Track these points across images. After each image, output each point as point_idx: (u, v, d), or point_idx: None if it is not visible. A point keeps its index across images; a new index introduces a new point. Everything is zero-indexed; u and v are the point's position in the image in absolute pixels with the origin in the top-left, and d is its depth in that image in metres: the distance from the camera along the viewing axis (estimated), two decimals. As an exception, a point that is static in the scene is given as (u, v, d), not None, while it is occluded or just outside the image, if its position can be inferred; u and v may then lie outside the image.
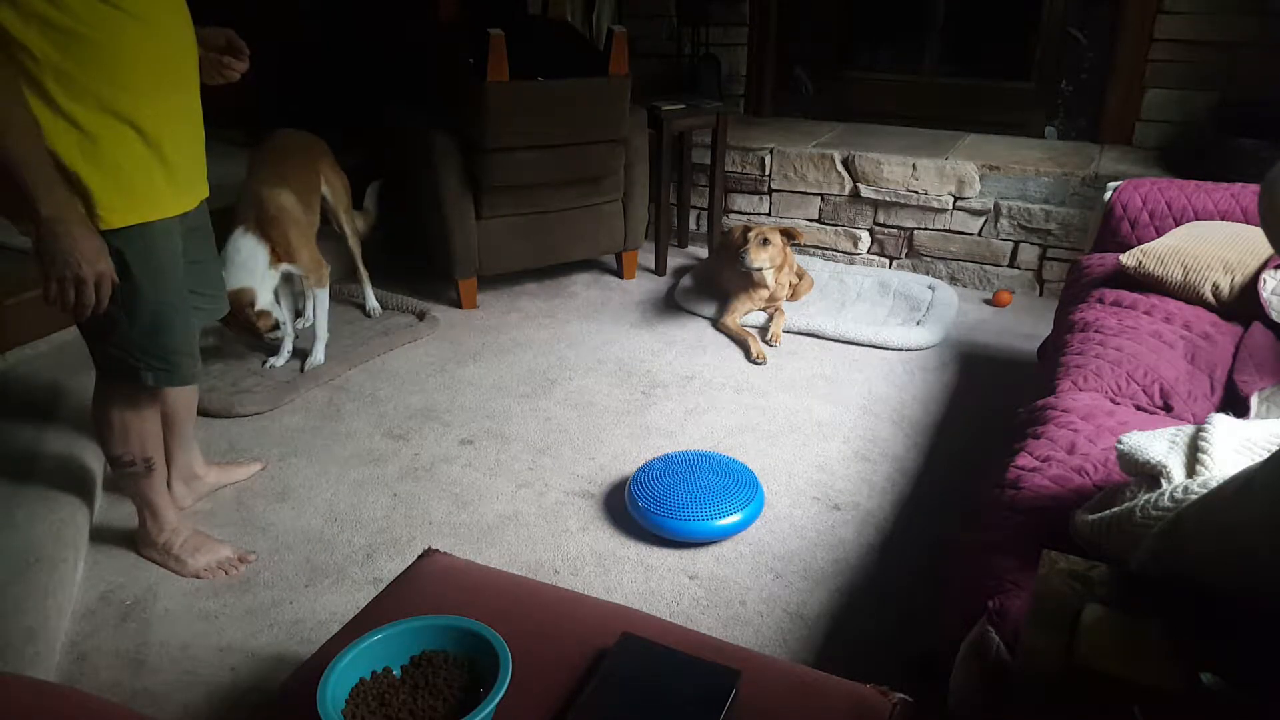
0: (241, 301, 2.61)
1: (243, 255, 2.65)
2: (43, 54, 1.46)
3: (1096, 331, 2.08)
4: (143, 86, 1.59)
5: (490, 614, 1.11)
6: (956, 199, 3.61)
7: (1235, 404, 1.81)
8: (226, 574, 2.02)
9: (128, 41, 1.55)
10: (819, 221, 3.90)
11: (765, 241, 3.12)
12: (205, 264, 1.97)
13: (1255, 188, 1.28)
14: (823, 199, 3.86)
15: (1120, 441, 1.30)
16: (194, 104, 1.75)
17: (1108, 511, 1.20)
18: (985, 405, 2.70)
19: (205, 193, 1.87)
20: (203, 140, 1.81)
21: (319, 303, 2.95)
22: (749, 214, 4.00)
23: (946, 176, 3.58)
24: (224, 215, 1.98)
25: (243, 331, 2.75)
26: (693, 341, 3.17)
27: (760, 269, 3.12)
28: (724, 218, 4.03)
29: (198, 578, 2.01)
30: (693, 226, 4.16)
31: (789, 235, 3.22)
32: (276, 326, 2.82)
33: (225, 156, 2.64)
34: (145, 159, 1.63)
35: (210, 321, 1.98)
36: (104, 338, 1.75)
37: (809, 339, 3.19)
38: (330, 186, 3.07)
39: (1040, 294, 3.59)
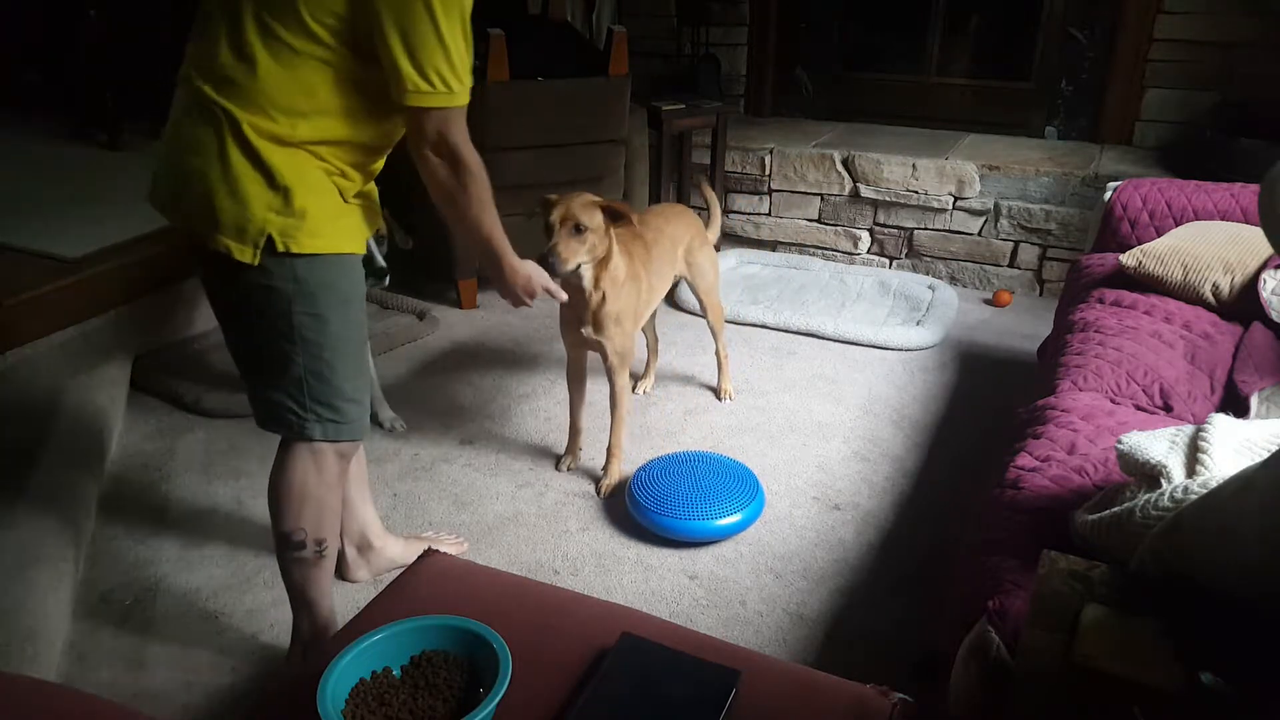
0: None
1: None
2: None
3: (1096, 331, 2.08)
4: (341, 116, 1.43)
5: (490, 614, 1.11)
6: (956, 199, 3.61)
7: (1235, 404, 1.81)
8: None
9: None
10: (819, 221, 3.90)
11: (578, 228, 1.97)
12: None
13: (1255, 188, 1.28)
14: (823, 199, 3.86)
15: (1120, 441, 1.30)
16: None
17: (1108, 511, 1.20)
18: (985, 405, 2.70)
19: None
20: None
21: None
22: (749, 214, 4.01)
23: (946, 176, 3.58)
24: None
25: None
26: (692, 341, 3.17)
27: (572, 268, 2.01)
28: (724, 218, 4.02)
29: None
30: (693, 226, 4.16)
31: (612, 214, 2.02)
32: None
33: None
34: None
35: None
36: (273, 381, 1.51)
37: (809, 339, 3.19)
38: None
39: (1040, 294, 3.59)
